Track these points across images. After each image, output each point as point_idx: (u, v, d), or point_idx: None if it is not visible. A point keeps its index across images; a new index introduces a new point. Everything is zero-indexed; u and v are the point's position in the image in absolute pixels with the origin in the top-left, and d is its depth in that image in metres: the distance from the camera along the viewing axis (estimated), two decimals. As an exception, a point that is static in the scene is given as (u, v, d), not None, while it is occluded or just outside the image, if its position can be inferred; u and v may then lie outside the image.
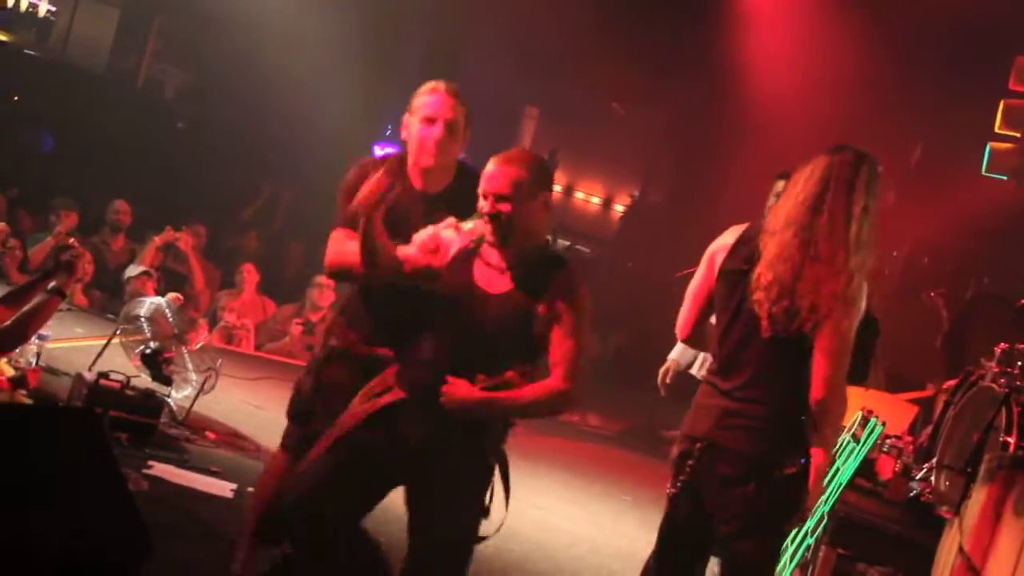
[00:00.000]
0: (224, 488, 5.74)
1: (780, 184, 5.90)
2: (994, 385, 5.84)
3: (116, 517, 3.55)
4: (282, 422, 6.34)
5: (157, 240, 9.79)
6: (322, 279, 9.98)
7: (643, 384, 7.05)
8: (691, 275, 4.16)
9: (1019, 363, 5.98)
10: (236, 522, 5.29)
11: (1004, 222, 11.32)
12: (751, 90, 13.87)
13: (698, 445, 3.75)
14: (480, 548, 5.88)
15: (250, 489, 5.71)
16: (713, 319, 4.05)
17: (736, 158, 14.46)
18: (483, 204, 3.72)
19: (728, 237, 3.95)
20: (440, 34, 15.88)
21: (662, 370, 6.06)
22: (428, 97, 4.42)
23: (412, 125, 4.38)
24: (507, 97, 21.32)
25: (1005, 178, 8.97)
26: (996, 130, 8.91)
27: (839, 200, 3.63)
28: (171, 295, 7.24)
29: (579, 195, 24.59)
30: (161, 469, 5.76)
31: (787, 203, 3.76)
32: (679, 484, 3.81)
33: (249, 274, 10.06)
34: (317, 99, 14.04)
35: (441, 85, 4.50)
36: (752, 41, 14.06)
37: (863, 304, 3.69)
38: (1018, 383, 5.86)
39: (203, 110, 15.00)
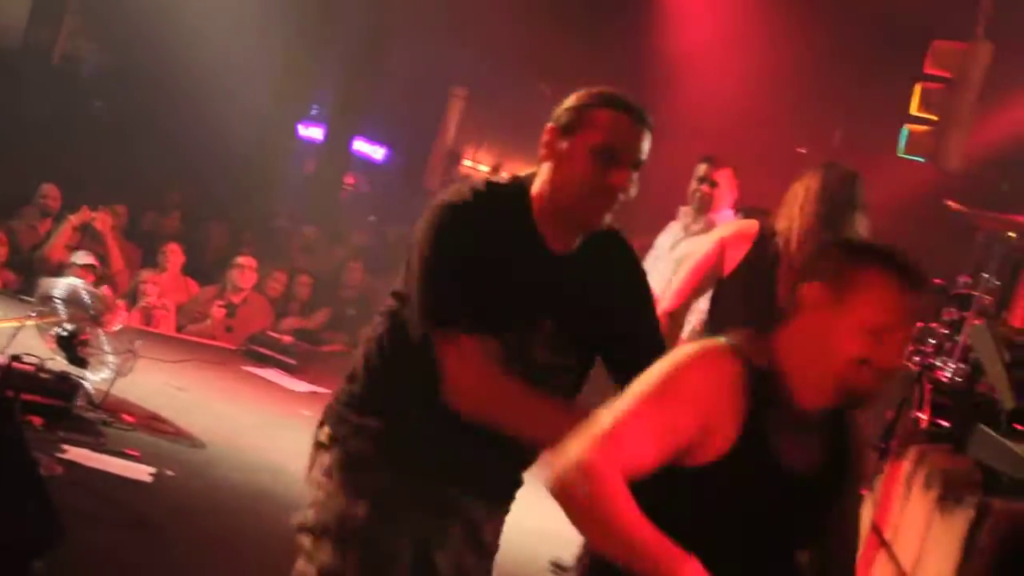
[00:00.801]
0: (142, 472, 5.65)
1: (703, 167, 5.94)
2: (908, 363, 5.96)
3: (25, 503, 3.47)
4: (203, 403, 6.28)
5: (73, 220, 9.58)
6: (243, 260, 9.83)
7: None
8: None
9: (932, 341, 6.11)
10: (154, 506, 5.23)
11: (921, 203, 11.52)
12: (677, 73, 13.94)
13: None
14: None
15: (169, 472, 5.65)
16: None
17: (662, 138, 14.49)
18: None
19: (740, 228, 4.21)
20: (367, 13, 15.74)
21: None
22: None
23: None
24: (434, 77, 21.21)
25: (922, 160, 9.12)
26: (912, 113, 9.06)
27: (841, 216, 4.01)
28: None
29: (506, 175, 24.62)
30: (76, 453, 5.64)
31: (793, 214, 4.04)
32: None
33: (173, 254, 9.89)
34: (240, 77, 13.83)
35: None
36: (678, 25, 14.14)
37: None
38: (931, 361, 5.99)
39: (122, 88, 14.71)
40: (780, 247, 3.95)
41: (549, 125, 2.73)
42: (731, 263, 4.03)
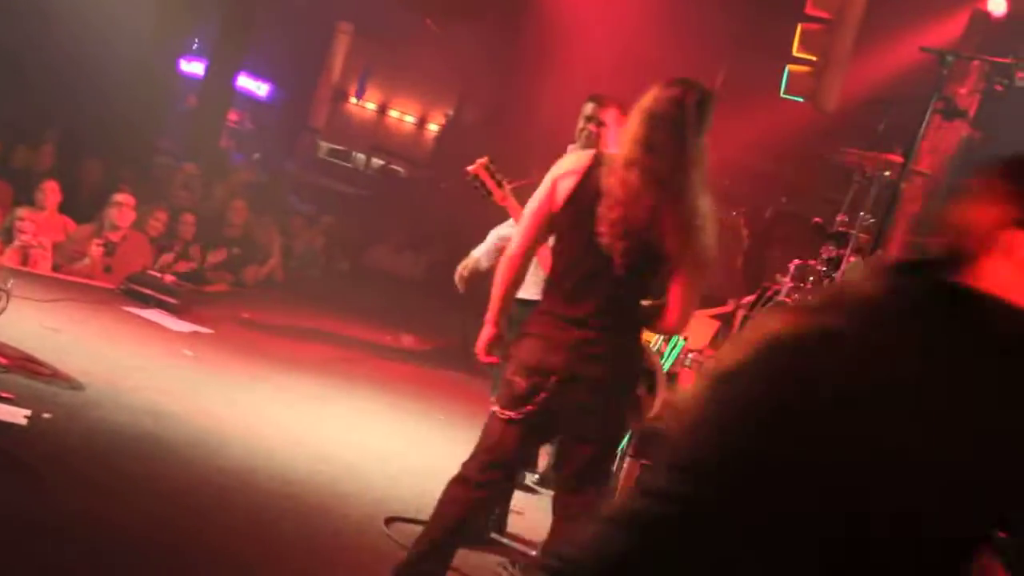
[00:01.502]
0: (17, 415, 5.48)
1: (589, 107, 5.94)
2: (788, 300, 6.10)
3: None
4: (81, 344, 6.11)
5: (-63, 157, 9.19)
6: (120, 197, 9.55)
7: (457, 302, 7.06)
8: (527, 187, 4.20)
9: (811, 278, 6.26)
10: (31, 449, 5.09)
11: (802, 143, 11.75)
12: (563, 12, 13.91)
13: (553, 378, 3.89)
14: (290, 470, 5.87)
15: (46, 415, 5.50)
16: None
17: (550, 79, 14.50)
18: None
19: (571, 163, 3.98)
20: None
21: (462, 265, 5.95)
22: None
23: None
24: (319, 13, 20.82)
25: (802, 100, 9.26)
26: (794, 53, 9.18)
27: (669, 140, 3.75)
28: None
29: (393, 114, 24.33)
30: (-53, 397, 5.46)
31: (623, 141, 3.86)
32: (524, 413, 3.94)
33: (51, 192, 9.54)
34: (117, 9, 13.34)
35: None
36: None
37: (711, 232, 3.87)
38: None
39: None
40: (602, 178, 3.82)
41: None
42: (561, 198, 3.94)
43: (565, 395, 3.91)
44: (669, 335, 4.10)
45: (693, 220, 3.78)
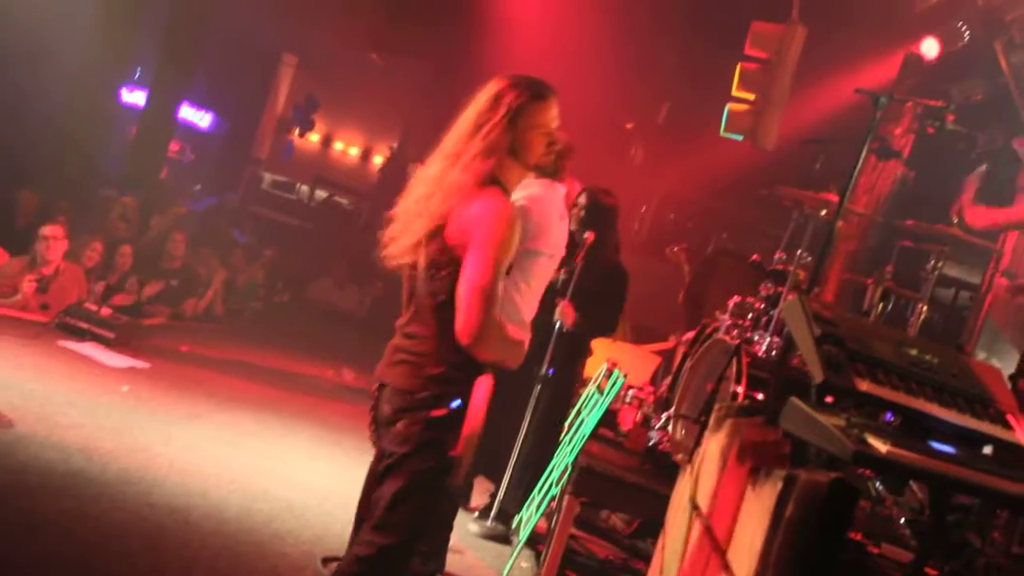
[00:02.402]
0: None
1: None
2: (726, 337, 6.14)
3: None
4: (11, 380, 6.00)
5: None
6: (48, 231, 9.37)
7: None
8: None
9: (750, 316, 6.31)
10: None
11: (744, 180, 11.90)
12: (508, 45, 13.99)
13: (374, 386, 3.79)
14: (226, 508, 5.79)
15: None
16: None
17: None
18: None
19: None
20: (191, -26, 15.21)
21: None
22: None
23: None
24: (264, 44, 20.77)
25: (741, 138, 9.38)
26: (733, 92, 9.31)
27: (479, 135, 3.67)
28: None
29: (338, 146, 24.31)
30: None
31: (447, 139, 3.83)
32: (371, 429, 3.82)
33: (-17, 225, 9.40)
34: (59, 39, 13.22)
35: None
36: (507, 2, 14.20)
37: (515, 232, 3.54)
38: (748, 335, 6.19)
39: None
40: None
41: None
42: None
43: (379, 403, 3.74)
44: (463, 344, 3.46)
45: (469, 214, 3.52)
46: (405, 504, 3.59)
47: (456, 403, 3.55)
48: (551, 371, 6.53)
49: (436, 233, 3.56)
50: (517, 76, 3.77)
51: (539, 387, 6.51)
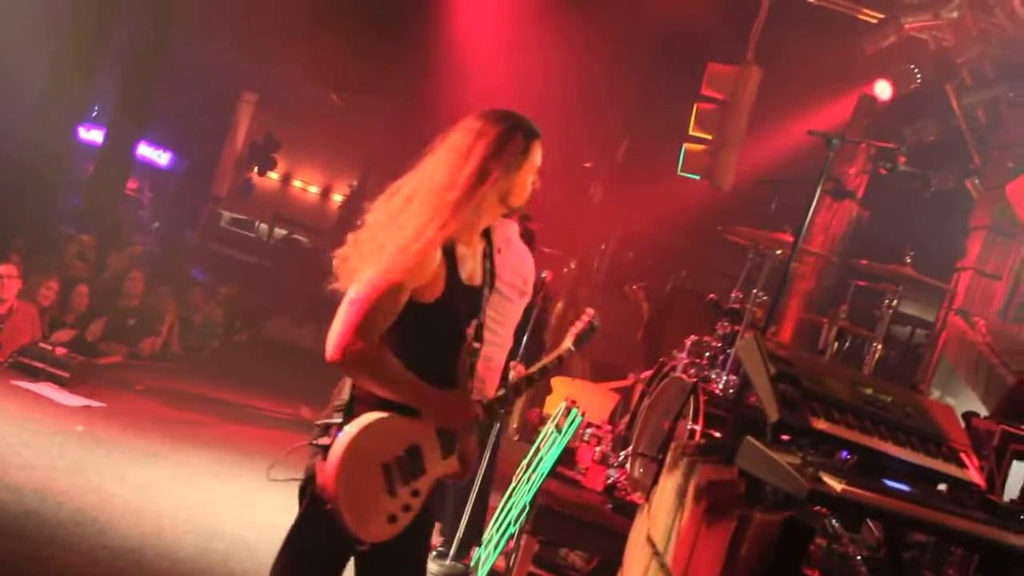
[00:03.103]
0: None
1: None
2: (684, 375, 6.18)
3: None
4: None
5: None
6: (2, 269, 9.27)
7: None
8: None
9: (707, 354, 6.36)
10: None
11: (702, 219, 12.01)
12: (469, 83, 14.07)
13: None
14: (181, 548, 5.72)
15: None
16: None
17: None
18: None
19: None
20: (152, 14, 15.19)
21: None
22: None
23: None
24: (223, 81, 20.77)
25: (698, 178, 9.48)
26: (690, 132, 9.41)
27: (446, 168, 3.41)
28: None
29: (297, 184, 24.28)
30: None
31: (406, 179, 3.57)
32: None
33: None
34: (16, 76, 13.14)
35: None
36: (469, 35, 14.29)
37: (415, 266, 3.26)
38: (706, 373, 6.23)
39: None
40: None
41: None
42: None
43: None
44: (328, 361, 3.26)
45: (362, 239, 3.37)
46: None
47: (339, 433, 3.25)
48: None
49: None
50: (501, 111, 3.57)
51: (496, 424, 6.43)
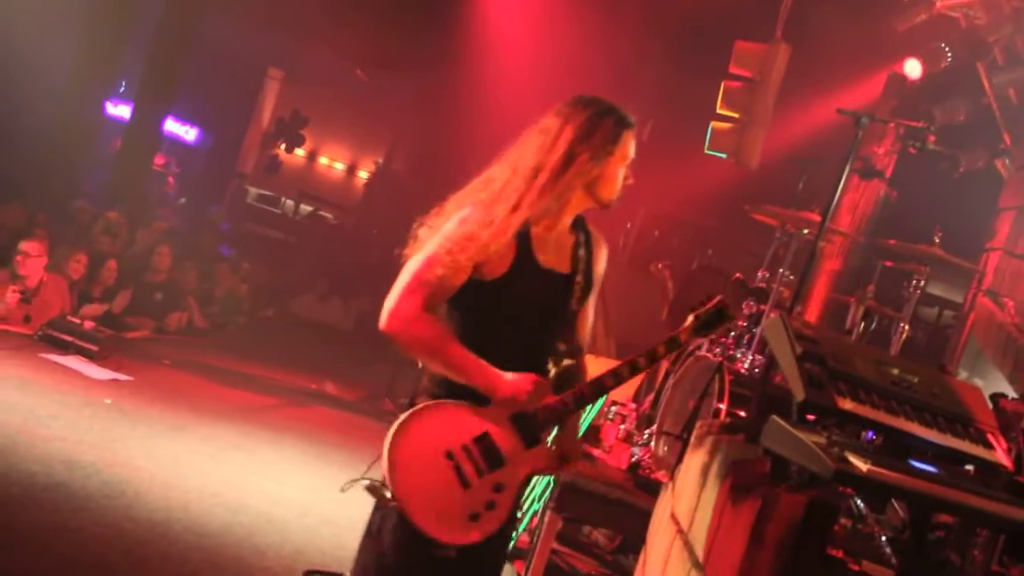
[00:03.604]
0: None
1: None
2: (709, 354, 6.17)
3: None
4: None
5: None
6: (26, 246, 9.30)
7: (384, 351, 7.03)
8: None
9: (732, 333, 6.34)
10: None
11: (728, 198, 11.95)
12: (495, 61, 14.04)
13: None
14: (207, 521, 5.78)
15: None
16: None
17: (479, 128, 14.61)
18: None
19: None
20: (176, -11, 15.21)
21: None
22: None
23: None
24: (250, 58, 20.77)
25: (725, 156, 9.43)
26: (717, 110, 9.35)
27: (535, 156, 3.30)
28: None
29: (323, 160, 24.29)
30: None
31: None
32: None
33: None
34: (45, 53, 13.21)
35: None
36: (496, 11, 14.25)
37: (482, 243, 3.18)
38: (731, 352, 6.21)
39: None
40: None
41: None
42: None
43: None
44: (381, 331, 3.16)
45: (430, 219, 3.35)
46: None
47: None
48: None
49: None
50: (594, 97, 3.43)
51: None
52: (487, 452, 3.10)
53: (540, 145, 3.30)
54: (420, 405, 3.12)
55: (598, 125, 3.33)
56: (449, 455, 3.04)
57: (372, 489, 3.09)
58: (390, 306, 3.14)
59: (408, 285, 3.15)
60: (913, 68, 9.84)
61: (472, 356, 3.14)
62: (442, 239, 3.18)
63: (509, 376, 3.17)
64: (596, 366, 8.18)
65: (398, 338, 3.13)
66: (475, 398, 3.15)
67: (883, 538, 4.04)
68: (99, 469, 6.07)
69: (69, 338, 8.87)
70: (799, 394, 3.06)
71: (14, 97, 12.93)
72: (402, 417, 3.07)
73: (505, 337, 3.25)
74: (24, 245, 9.27)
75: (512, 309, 3.26)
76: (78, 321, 9.10)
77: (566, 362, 3.39)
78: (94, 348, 8.84)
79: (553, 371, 3.37)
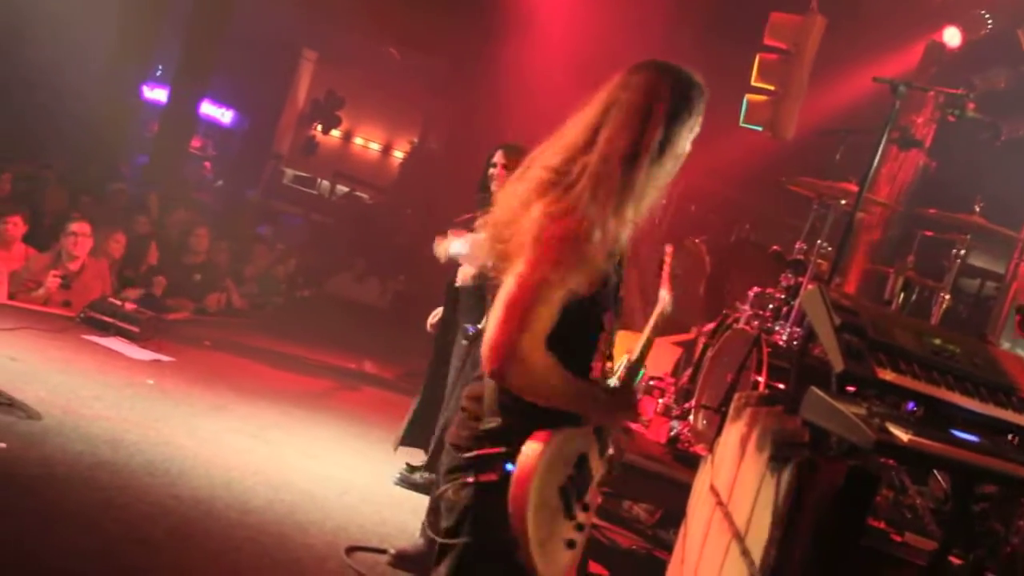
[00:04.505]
0: (-29, 446, 5.43)
1: (499, 154, 6.05)
2: (747, 327, 6.14)
3: None
4: (38, 373, 6.05)
5: None
6: (76, 227, 9.41)
7: (422, 329, 7.05)
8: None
9: (770, 306, 6.31)
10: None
11: (765, 171, 11.85)
12: (529, 39, 13.98)
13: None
14: (249, 499, 5.83)
15: (2, 445, 5.44)
16: None
17: (513, 107, 14.58)
18: None
19: None
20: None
21: (432, 315, 6.12)
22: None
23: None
24: (284, 39, 20.84)
25: (760, 129, 9.35)
26: (752, 83, 9.28)
27: (619, 136, 2.81)
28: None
29: (358, 141, 24.37)
30: (-99, 428, 5.39)
31: (554, 138, 2.95)
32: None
33: (14, 225, 9.39)
34: (78, 39, 13.32)
35: None
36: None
37: (590, 258, 2.74)
38: (769, 325, 6.18)
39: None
40: None
41: None
42: None
43: None
44: (492, 377, 2.73)
45: (541, 228, 2.72)
46: None
47: (511, 466, 2.75)
48: (470, 329, 5.90)
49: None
50: (664, 63, 3.00)
51: (467, 344, 5.99)
52: (583, 475, 2.89)
53: (631, 127, 2.84)
54: (537, 444, 2.75)
55: (689, 100, 2.95)
56: (563, 490, 2.81)
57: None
58: (495, 345, 2.69)
59: (512, 320, 2.69)
60: (952, 36, 9.71)
61: (577, 382, 2.82)
62: (548, 259, 2.70)
63: (608, 397, 2.94)
64: (633, 341, 8.13)
65: (509, 379, 2.72)
66: (544, 423, 2.81)
67: (926, 509, 4.02)
68: (142, 448, 6.14)
69: (111, 320, 8.96)
70: (838, 365, 3.04)
71: (58, 83, 13.05)
72: (530, 462, 2.73)
73: (586, 345, 2.95)
74: (74, 226, 9.39)
75: (594, 318, 2.92)
76: (119, 303, 9.19)
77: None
78: (135, 330, 8.93)
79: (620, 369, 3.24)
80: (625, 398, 3.01)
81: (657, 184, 2.87)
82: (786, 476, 2.86)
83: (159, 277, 10.66)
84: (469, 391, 2.94)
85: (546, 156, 2.86)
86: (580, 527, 2.87)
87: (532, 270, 2.68)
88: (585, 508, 2.88)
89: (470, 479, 2.80)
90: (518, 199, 2.82)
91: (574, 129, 2.88)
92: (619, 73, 2.97)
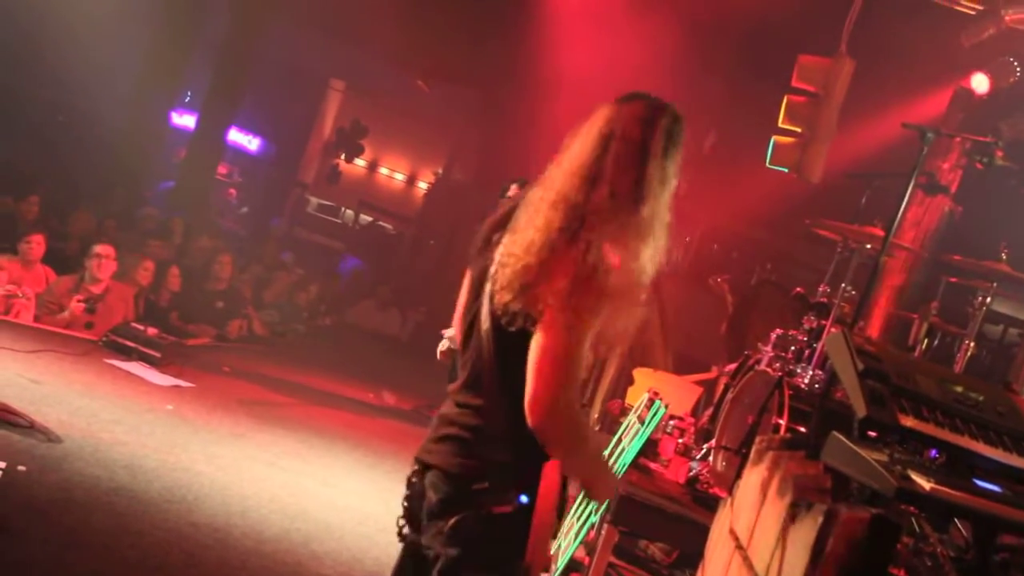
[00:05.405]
0: (-8, 467, 5.45)
1: (513, 188, 6.07)
2: (769, 369, 6.11)
3: None
4: (60, 396, 6.08)
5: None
6: (101, 249, 9.48)
7: (440, 362, 7.05)
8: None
9: (792, 348, 6.28)
10: (4, 502, 5.05)
11: (789, 212, 11.85)
12: (555, 73, 14.05)
13: (415, 467, 3.02)
14: (265, 528, 5.83)
15: (21, 468, 5.46)
16: None
17: (539, 139, 14.63)
18: None
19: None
20: (243, 2, 15.45)
21: (441, 345, 6.06)
22: None
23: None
24: (312, 69, 21.01)
25: (787, 170, 9.35)
26: (780, 124, 9.28)
27: (624, 171, 2.82)
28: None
29: (383, 171, 24.48)
30: (-78, 447, 5.41)
31: (553, 171, 2.94)
32: (400, 519, 3.13)
33: (36, 245, 9.48)
34: (107, 65, 13.48)
35: None
36: (558, 26, 14.26)
37: (628, 304, 2.76)
38: (791, 367, 6.15)
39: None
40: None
41: None
42: None
43: (415, 491, 3.02)
44: (536, 434, 2.70)
45: (583, 275, 2.67)
46: None
47: (523, 498, 2.76)
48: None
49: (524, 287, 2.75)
50: (647, 95, 3.02)
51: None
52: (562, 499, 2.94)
53: (635, 160, 2.87)
54: (551, 483, 2.81)
55: (678, 131, 2.98)
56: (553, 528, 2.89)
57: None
58: (540, 398, 2.66)
59: (557, 372, 2.66)
60: (980, 83, 9.70)
61: (596, 437, 2.89)
62: (587, 309, 2.67)
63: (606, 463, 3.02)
64: (653, 380, 8.16)
65: (552, 431, 2.71)
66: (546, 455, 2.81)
67: (946, 558, 3.98)
68: (160, 474, 6.15)
69: (133, 344, 9.00)
70: (861, 410, 3.03)
71: (87, 108, 13.20)
72: (548, 495, 2.80)
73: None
74: (99, 248, 9.46)
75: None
76: (141, 328, 9.24)
77: None
78: (157, 355, 8.96)
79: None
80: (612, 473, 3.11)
81: (663, 221, 2.87)
82: (808, 523, 2.84)
83: (174, 312, 10.72)
84: (457, 415, 2.91)
85: (551, 191, 2.86)
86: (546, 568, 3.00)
87: (575, 321, 2.65)
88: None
89: (485, 511, 2.78)
90: (534, 235, 2.79)
91: (574, 162, 2.89)
92: (607, 104, 3.00)
